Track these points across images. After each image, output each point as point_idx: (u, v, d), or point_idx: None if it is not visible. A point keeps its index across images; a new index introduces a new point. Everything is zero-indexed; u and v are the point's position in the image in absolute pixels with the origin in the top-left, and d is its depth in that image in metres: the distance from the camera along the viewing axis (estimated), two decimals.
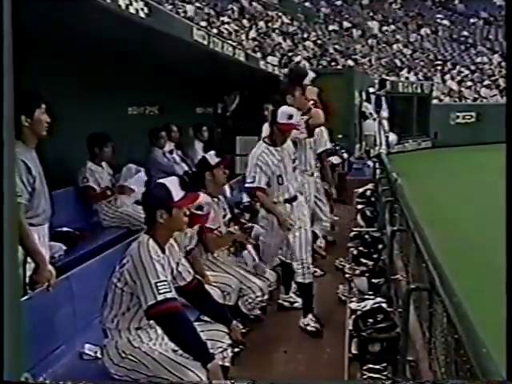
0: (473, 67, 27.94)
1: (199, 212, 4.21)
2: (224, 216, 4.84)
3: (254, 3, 25.54)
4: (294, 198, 4.94)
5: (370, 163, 10.81)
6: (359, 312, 3.92)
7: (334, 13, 30.26)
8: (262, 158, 4.77)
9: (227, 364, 3.22)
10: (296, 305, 5.23)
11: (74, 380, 3.15)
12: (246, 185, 4.90)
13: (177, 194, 3.16)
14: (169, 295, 2.96)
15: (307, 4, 29.66)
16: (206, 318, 3.53)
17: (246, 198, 6.18)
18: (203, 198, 4.62)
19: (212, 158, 4.76)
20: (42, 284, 3.30)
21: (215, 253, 4.70)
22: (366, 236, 6.01)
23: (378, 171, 8.63)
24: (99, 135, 5.77)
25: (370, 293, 4.62)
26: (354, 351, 3.64)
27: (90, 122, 6.07)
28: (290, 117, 4.70)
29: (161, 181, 3.30)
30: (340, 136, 10.05)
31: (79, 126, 5.82)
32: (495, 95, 25.33)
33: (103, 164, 5.84)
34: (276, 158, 4.79)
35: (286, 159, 4.83)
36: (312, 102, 5.76)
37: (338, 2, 31.15)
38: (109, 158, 5.87)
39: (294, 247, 4.88)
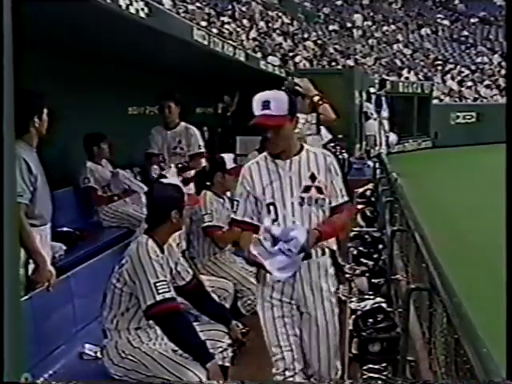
0: (473, 67, 27.93)
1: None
2: (228, 216, 4.85)
3: (254, 3, 25.53)
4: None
5: (370, 163, 10.81)
6: (359, 312, 3.92)
7: (334, 13, 30.27)
8: (247, 174, 3.01)
9: (227, 364, 3.23)
10: None
11: (74, 380, 3.15)
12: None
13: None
14: (168, 295, 2.97)
15: (307, 4, 29.67)
16: (205, 318, 3.53)
17: None
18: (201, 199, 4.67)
19: (230, 161, 4.81)
20: (42, 284, 3.30)
21: (217, 253, 4.71)
22: (366, 236, 6.01)
23: (378, 171, 8.63)
24: (95, 134, 5.78)
25: (370, 293, 4.62)
26: (354, 351, 3.64)
27: (90, 121, 6.08)
28: (265, 105, 2.85)
29: (170, 182, 3.39)
30: (340, 136, 10.05)
31: (79, 126, 5.82)
32: (495, 95, 25.33)
33: (103, 162, 5.85)
34: (270, 177, 2.95)
35: (286, 180, 2.93)
36: (317, 97, 4.78)
37: (338, 2, 31.16)
38: (107, 155, 5.88)
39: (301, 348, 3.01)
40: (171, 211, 3.15)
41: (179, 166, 5.27)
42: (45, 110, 3.52)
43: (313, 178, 2.94)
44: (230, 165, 4.76)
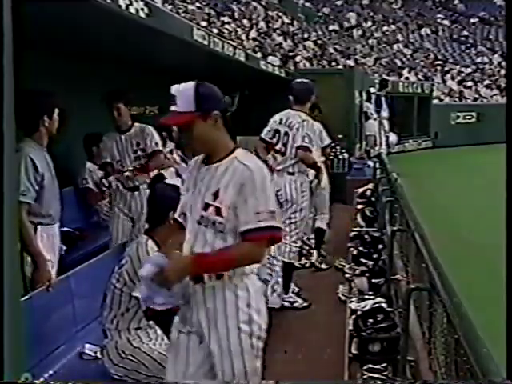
0: (473, 67, 27.93)
1: None
2: None
3: (257, 4, 25.53)
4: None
5: (370, 163, 10.81)
6: (359, 312, 3.93)
7: (334, 13, 30.27)
8: (188, 170, 2.69)
9: None
10: (296, 304, 5.23)
11: (74, 380, 3.15)
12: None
13: None
14: None
15: (308, 4, 29.68)
16: None
17: None
18: None
19: None
20: (41, 284, 3.30)
21: None
22: (366, 236, 6.02)
23: (378, 171, 8.63)
24: (94, 135, 5.77)
25: (370, 293, 4.62)
26: (354, 351, 3.64)
27: (90, 121, 6.08)
28: (172, 100, 2.51)
29: (171, 182, 3.39)
30: (340, 136, 10.05)
31: (79, 126, 5.82)
32: (495, 95, 25.32)
33: None
34: (189, 183, 2.58)
35: (197, 191, 2.49)
36: (321, 163, 5.63)
37: (338, 2, 31.16)
38: None
39: None
40: (169, 212, 3.14)
41: (137, 167, 5.02)
42: (56, 110, 3.52)
43: (215, 195, 2.40)
44: None
